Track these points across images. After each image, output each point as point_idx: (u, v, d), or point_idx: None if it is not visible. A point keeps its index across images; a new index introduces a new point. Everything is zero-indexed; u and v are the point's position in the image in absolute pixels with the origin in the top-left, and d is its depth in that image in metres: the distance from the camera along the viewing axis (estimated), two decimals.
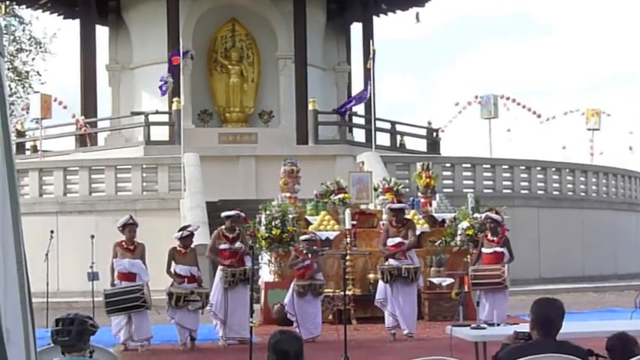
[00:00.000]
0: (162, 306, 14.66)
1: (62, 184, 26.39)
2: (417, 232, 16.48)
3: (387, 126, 33.71)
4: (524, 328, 6.35)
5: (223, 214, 15.16)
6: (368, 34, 34.83)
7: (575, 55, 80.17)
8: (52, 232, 17.57)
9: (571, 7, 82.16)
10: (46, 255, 16.61)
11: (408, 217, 16.34)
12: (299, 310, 14.80)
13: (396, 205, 16.06)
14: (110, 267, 14.44)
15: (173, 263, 14.49)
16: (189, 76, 31.20)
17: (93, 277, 15.95)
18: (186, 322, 14.29)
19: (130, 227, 14.48)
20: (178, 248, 14.52)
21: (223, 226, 14.96)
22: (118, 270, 14.29)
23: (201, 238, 19.70)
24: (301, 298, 14.87)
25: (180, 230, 14.82)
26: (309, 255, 15.07)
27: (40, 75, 46.32)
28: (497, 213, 16.06)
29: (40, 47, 46.19)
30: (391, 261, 15.08)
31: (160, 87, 27.79)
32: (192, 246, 14.79)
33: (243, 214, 15.47)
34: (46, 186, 26.62)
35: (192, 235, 14.80)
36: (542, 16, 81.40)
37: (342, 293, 13.56)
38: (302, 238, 15.67)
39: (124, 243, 14.41)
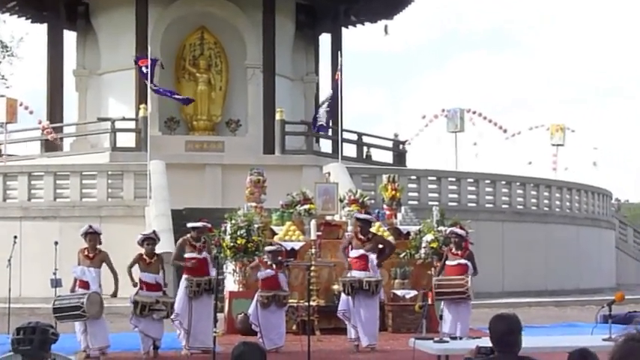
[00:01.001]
0: (126, 314, 14.55)
1: (26, 189, 26.20)
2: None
3: (354, 137, 33.81)
4: (487, 341, 6.38)
5: (189, 224, 15.06)
6: (337, 46, 34.96)
7: (544, 71, 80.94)
8: (15, 237, 17.38)
9: (545, 23, 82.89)
10: (9, 260, 16.48)
11: (373, 230, 16.37)
12: (263, 321, 14.77)
13: (363, 216, 16.00)
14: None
15: (139, 271, 14.38)
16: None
17: (56, 283, 15.81)
18: (151, 330, 14.22)
19: (90, 236, 14.31)
20: (144, 256, 14.41)
21: (189, 235, 14.89)
22: (73, 276, 14.21)
23: (166, 245, 19.64)
24: (265, 309, 14.83)
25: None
26: (274, 266, 15.05)
27: (5, 79, 45.93)
28: (461, 228, 16.15)
29: (7, 51, 45.79)
30: (353, 272, 15.07)
31: (157, 90, 27.16)
32: (159, 253, 14.71)
33: (209, 225, 15.43)
34: (10, 191, 26.40)
35: (150, 239, 14.55)
36: (516, 32, 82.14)
37: (307, 304, 13.57)
38: (267, 249, 15.60)
39: (85, 250, 14.31)
